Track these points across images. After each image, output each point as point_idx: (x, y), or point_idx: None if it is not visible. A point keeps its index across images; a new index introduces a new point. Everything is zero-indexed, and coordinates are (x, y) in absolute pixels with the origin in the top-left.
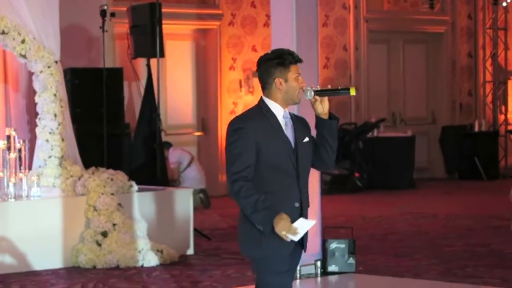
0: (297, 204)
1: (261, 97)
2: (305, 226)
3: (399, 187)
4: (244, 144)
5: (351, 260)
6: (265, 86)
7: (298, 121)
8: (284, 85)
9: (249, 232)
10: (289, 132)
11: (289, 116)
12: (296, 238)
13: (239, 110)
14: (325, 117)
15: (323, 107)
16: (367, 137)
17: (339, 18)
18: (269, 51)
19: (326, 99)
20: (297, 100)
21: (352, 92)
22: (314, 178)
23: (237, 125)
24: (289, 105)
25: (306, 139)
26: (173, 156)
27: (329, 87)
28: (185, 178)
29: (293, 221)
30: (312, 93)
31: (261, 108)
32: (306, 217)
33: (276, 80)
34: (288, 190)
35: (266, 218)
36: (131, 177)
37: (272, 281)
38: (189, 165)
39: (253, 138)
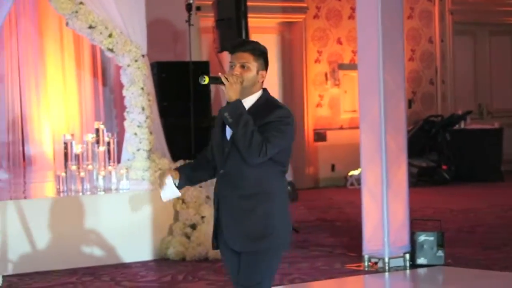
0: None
1: None
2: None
3: (486, 180)
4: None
5: (440, 253)
6: None
7: (259, 109)
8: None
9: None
10: None
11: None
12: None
13: (325, 103)
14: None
15: (227, 94)
16: (454, 129)
17: (424, 10)
18: None
19: (226, 86)
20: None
21: (206, 80)
22: (401, 171)
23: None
24: (244, 94)
25: None
26: None
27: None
28: None
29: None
30: (203, 80)
31: None
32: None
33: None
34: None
35: None
36: None
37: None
38: None
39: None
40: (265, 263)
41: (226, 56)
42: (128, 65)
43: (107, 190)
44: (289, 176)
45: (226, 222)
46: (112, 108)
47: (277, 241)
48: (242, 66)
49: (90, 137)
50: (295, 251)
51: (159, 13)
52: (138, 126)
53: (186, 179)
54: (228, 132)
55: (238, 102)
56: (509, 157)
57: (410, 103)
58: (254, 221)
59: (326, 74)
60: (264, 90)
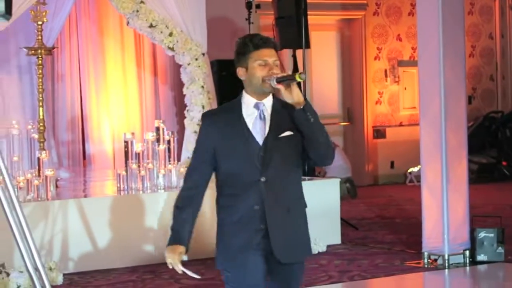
0: (256, 207)
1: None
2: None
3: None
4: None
5: (500, 249)
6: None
7: (283, 111)
8: (245, 75)
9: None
10: (259, 126)
11: (265, 108)
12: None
13: (385, 100)
14: (299, 106)
15: (292, 95)
16: None
17: (484, 6)
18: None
19: (294, 86)
20: (262, 89)
21: (297, 78)
22: (461, 167)
23: (204, 117)
24: (262, 95)
25: (287, 133)
26: None
27: (285, 74)
28: (330, 167)
29: (253, 222)
30: (274, 82)
31: (235, 101)
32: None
33: (237, 70)
34: (246, 191)
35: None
36: None
37: None
38: None
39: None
40: (302, 273)
41: (286, 53)
42: (189, 64)
43: (167, 188)
44: (348, 173)
45: (273, 232)
46: (172, 106)
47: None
48: (276, 65)
49: (151, 135)
50: (355, 248)
51: (219, 11)
52: (198, 124)
53: (190, 239)
54: (260, 137)
55: (308, 102)
56: None
57: (470, 99)
58: (300, 232)
59: (385, 71)
60: None
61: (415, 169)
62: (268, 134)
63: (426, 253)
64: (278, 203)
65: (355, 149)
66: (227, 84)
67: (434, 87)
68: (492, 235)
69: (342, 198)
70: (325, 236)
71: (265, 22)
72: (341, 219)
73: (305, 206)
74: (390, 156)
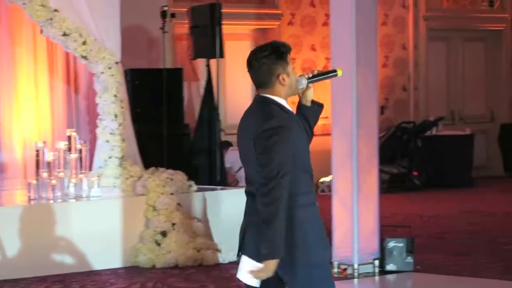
0: (317, 203)
1: (264, 95)
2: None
3: (457, 186)
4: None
5: (409, 259)
6: (266, 85)
7: None
8: (287, 80)
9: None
10: None
11: None
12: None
13: None
14: (309, 104)
15: (311, 93)
16: (425, 135)
17: (398, 17)
18: (259, 47)
19: (312, 85)
20: (297, 92)
21: (339, 73)
22: (372, 177)
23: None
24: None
25: None
26: (229, 157)
27: (316, 71)
28: (242, 178)
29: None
30: (306, 81)
31: (277, 106)
32: None
33: (280, 77)
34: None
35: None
36: (190, 177)
37: None
38: None
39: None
40: None
41: (200, 63)
42: (102, 72)
43: (78, 197)
44: None
45: None
46: (84, 115)
47: None
48: None
49: (62, 144)
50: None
51: (133, 20)
52: (111, 133)
53: None
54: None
55: None
56: (479, 163)
57: (382, 109)
58: None
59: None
60: None
61: (327, 179)
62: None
63: (336, 263)
64: None
65: None
66: (141, 93)
67: (346, 97)
68: (401, 244)
69: None
70: (236, 246)
71: (180, 31)
72: None
73: None
74: None
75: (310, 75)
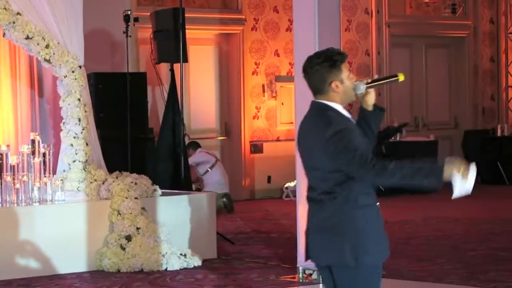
0: (378, 204)
1: (319, 101)
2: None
3: (421, 192)
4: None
5: None
6: (320, 92)
7: None
8: (341, 87)
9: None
10: None
11: None
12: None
13: (262, 115)
14: (371, 109)
15: (372, 98)
16: (390, 142)
17: (361, 23)
18: (315, 54)
19: (372, 90)
20: (353, 98)
21: (401, 77)
22: None
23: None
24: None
25: None
26: (194, 157)
27: (376, 76)
28: (208, 182)
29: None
30: (364, 86)
31: (334, 112)
32: None
33: (332, 84)
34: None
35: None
36: (154, 182)
37: None
38: (212, 167)
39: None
40: None
41: (163, 67)
42: (65, 76)
43: (42, 201)
44: (225, 189)
45: None
46: (48, 119)
47: None
48: None
49: (26, 148)
50: (231, 263)
51: (96, 24)
52: (74, 137)
53: None
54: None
55: None
56: None
57: None
58: None
59: (263, 86)
60: None
61: (292, 184)
62: None
63: (301, 268)
64: None
65: (232, 164)
66: (104, 97)
67: (309, 103)
68: None
69: (218, 213)
70: (201, 250)
71: (143, 35)
72: (218, 233)
73: None
74: (267, 171)
75: (369, 80)
